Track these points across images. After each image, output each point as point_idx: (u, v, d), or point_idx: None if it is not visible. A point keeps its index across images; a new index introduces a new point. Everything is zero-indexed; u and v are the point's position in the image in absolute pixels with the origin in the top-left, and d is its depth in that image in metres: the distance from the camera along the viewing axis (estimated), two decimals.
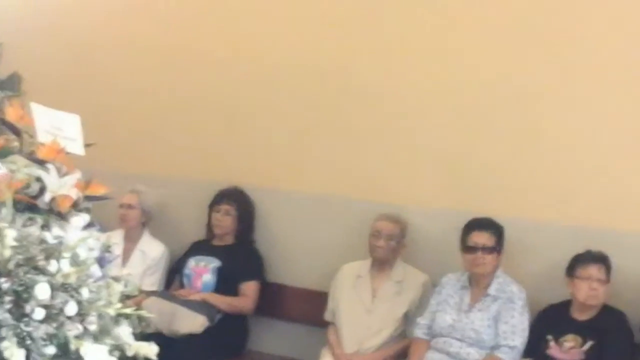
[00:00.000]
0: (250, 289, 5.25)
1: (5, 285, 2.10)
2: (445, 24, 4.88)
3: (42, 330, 2.11)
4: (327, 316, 4.97)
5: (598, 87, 4.56)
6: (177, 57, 5.70)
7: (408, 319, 4.76)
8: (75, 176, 2.53)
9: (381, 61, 5.07)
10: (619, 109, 4.52)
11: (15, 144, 2.61)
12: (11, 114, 2.62)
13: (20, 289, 2.10)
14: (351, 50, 5.15)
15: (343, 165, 5.24)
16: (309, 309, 5.17)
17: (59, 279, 2.17)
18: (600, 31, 4.51)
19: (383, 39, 5.07)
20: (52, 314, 2.13)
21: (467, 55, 4.84)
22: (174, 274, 5.46)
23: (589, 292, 4.31)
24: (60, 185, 2.46)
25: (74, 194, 2.50)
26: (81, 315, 2.20)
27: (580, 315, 4.39)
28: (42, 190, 2.45)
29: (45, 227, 2.38)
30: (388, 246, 4.82)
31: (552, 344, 4.37)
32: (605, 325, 4.32)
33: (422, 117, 5.00)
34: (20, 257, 2.15)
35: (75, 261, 2.24)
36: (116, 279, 2.44)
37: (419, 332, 4.63)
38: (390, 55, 5.05)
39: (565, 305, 4.46)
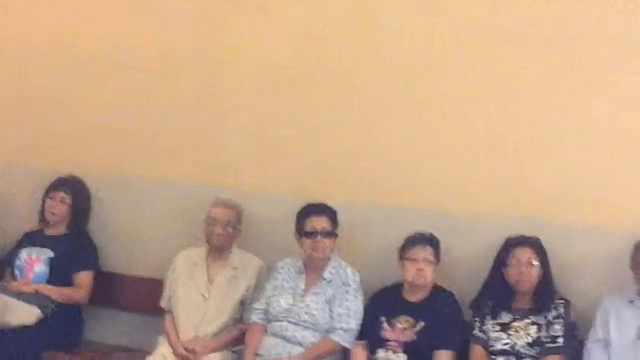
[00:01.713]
0: (83, 279, 5.13)
1: None
2: None
3: None
4: (163, 304, 4.91)
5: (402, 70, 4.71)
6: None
7: (245, 304, 4.75)
8: None
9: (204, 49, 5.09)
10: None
11: None
12: None
13: None
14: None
15: (181, 150, 5.18)
16: (145, 297, 5.10)
17: None
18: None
19: None
20: None
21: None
22: (5, 266, 5.26)
23: (416, 273, 4.42)
24: None
25: None
26: None
27: (411, 297, 4.50)
28: None
29: None
30: (224, 233, 4.80)
31: (385, 325, 4.45)
32: (436, 306, 4.44)
33: (249, 104, 5.03)
34: None
35: None
36: None
37: (255, 317, 4.64)
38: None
39: (398, 287, 4.56)
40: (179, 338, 4.71)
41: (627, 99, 4.37)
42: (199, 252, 4.90)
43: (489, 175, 4.62)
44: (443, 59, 4.68)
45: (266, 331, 4.58)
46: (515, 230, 4.44)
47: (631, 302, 4.27)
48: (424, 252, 4.43)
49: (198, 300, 4.77)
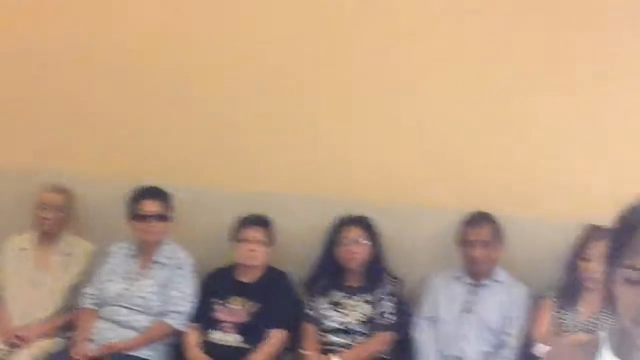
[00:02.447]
0: None
1: None
2: None
3: None
4: None
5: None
6: None
7: (77, 290, 4.66)
8: None
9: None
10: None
11: None
12: None
13: None
14: None
15: (10, 136, 5.02)
16: None
17: None
18: None
19: None
20: None
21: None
22: None
23: (247, 254, 4.43)
24: None
25: None
26: None
27: (244, 278, 4.51)
28: None
29: None
30: (54, 217, 4.69)
31: (218, 306, 4.45)
32: (269, 286, 4.47)
33: (89, 91, 4.91)
34: None
35: None
36: None
37: (86, 302, 4.55)
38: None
39: (231, 268, 4.56)
40: (8, 325, 4.58)
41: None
42: (28, 238, 4.77)
43: (320, 157, 4.66)
44: None
45: (99, 316, 4.50)
46: (346, 211, 4.49)
47: (457, 278, 4.39)
48: (255, 233, 4.45)
49: (27, 287, 4.65)
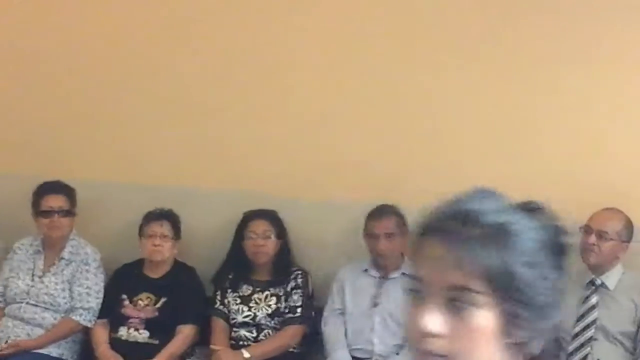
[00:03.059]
0: None
1: None
2: None
3: None
4: None
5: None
6: None
7: None
8: None
9: None
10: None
11: None
12: None
13: None
14: None
15: None
16: None
17: None
18: None
19: None
20: None
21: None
22: None
23: (152, 249, 4.40)
24: None
25: None
26: None
27: (152, 273, 4.48)
28: None
29: None
30: None
31: (126, 302, 4.42)
32: (177, 281, 4.44)
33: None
34: None
35: None
36: None
37: None
38: None
39: (139, 264, 4.52)
40: None
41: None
42: None
43: (228, 152, 4.64)
44: None
45: (4, 314, 4.43)
46: (255, 206, 4.48)
47: (365, 271, 4.40)
48: (159, 228, 4.40)
49: None
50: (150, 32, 4.65)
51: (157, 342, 4.32)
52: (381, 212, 4.36)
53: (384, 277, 4.37)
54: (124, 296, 4.43)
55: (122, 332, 4.37)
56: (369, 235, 4.35)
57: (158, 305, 4.40)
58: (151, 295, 4.42)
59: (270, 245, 4.40)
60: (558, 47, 4.30)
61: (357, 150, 4.51)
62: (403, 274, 4.35)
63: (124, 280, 4.49)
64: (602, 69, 4.28)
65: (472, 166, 4.30)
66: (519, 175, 4.19)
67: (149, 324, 4.36)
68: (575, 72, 4.29)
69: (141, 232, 4.44)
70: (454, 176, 4.28)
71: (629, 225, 4.17)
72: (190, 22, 4.61)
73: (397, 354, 4.27)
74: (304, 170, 4.56)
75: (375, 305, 4.33)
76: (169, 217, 4.45)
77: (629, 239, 4.18)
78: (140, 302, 4.42)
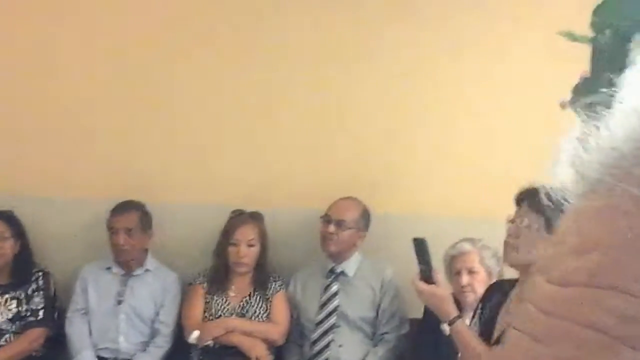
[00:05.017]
0: None
1: None
2: None
3: None
4: None
5: None
6: None
7: None
8: None
9: None
10: None
11: None
12: None
13: None
14: None
15: None
16: None
17: None
18: None
19: None
20: None
21: None
22: None
23: None
24: None
25: None
26: None
27: None
28: None
29: None
30: None
31: None
32: None
33: None
34: None
35: None
36: None
37: None
38: None
39: None
40: None
41: None
42: None
43: None
44: None
45: None
46: None
47: (108, 269, 4.32)
48: None
49: None
50: None
51: None
52: (122, 207, 4.29)
53: (127, 274, 4.31)
54: None
55: None
56: (110, 230, 4.27)
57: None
58: None
59: (6, 247, 4.24)
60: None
61: (96, 145, 4.42)
62: (146, 270, 4.31)
63: None
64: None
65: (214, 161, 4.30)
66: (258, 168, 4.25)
67: None
68: None
69: None
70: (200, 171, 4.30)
71: (365, 214, 4.27)
72: None
73: (144, 350, 4.22)
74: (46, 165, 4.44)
75: (119, 303, 4.26)
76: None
77: (366, 228, 4.27)
78: None
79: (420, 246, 3.25)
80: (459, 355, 3.44)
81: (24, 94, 4.40)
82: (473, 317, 3.61)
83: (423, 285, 3.26)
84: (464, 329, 3.30)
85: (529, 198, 2.79)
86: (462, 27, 4.28)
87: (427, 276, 3.25)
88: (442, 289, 3.30)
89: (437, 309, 3.31)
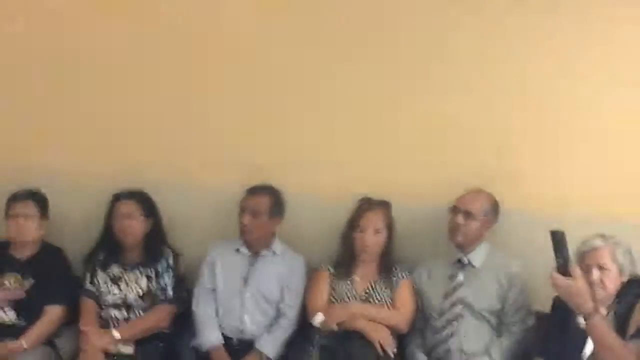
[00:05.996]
0: None
1: None
2: None
3: None
4: None
5: None
6: None
7: None
8: None
9: None
10: None
11: None
12: None
13: None
14: None
15: None
16: None
17: None
18: None
19: None
20: None
21: None
22: None
23: (16, 229, 4.34)
24: None
25: None
26: None
27: (19, 254, 4.38)
28: None
29: None
30: None
31: None
32: (44, 262, 4.37)
33: None
34: None
35: None
36: None
37: None
38: None
39: (5, 245, 4.41)
40: None
41: None
42: None
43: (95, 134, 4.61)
44: None
45: None
46: (125, 187, 4.45)
47: (236, 250, 4.39)
48: (24, 208, 4.33)
49: None
50: None
51: (24, 323, 4.23)
52: (254, 189, 4.37)
53: (255, 256, 4.38)
54: None
55: None
56: (240, 209, 4.34)
57: (25, 286, 4.30)
58: (17, 276, 4.32)
59: (136, 226, 4.35)
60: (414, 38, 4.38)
61: (226, 134, 4.53)
62: (273, 252, 4.37)
63: None
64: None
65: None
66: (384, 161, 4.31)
67: (16, 305, 4.27)
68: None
69: (5, 213, 4.33)
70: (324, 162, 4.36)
71: (494, 205, 4.25)
72: None
73: (268, 332, 4.28)
74: (174, 154, 4.57)
75: (245, 283, 4.33)
76: (34, 196, 4.36)
77: (494, 219, 4.26)
78: (7, 283, 4.31)
79: (558, 239, 3.23)
80: (594, 348, 3.40)
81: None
82: (607, 312, 3.58)
83: (561, 278, 3.24)
84: (601, 323, 3.26)
85: None
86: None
87: (564, 269, 3.23)
88: (580, 282, 3.27)
89: (574, 303, 3.28)
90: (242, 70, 4.50)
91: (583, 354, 3.57)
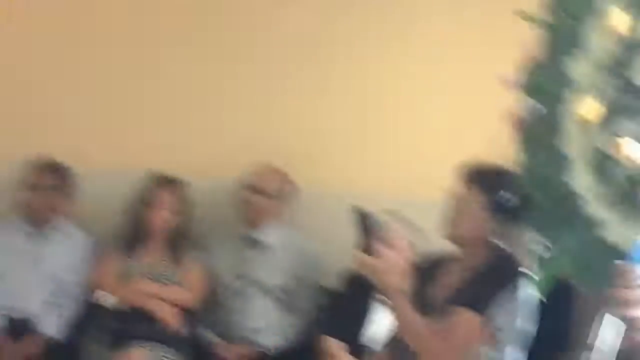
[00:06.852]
0: None
1: None
2: None
3: None
4: None
5: None
6: None
7: None
8: None
9: None
10: None
11: None
12: None
13: None
14: None
15: None
16: None
17: None
18: None
19: None
20: None
21: None
22: None
23: None
24: None
25: None
26: None
27: None
28: None
29: None
30: None
31: None
32: None
33: None
34: None
35: None
36: None
37: None
38: None
39: None
40: None
41: None
42: None
43: None
44: None
45: None
46: None
47: (17, 227, 4.22)
48: None
49: None
50: None
51: None
52: (43, 167, 4.21)
53: (38, 233, 4.21)
54: None
55: None
56: (26, 187, 4.17)
57: None
58: None
59: None
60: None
61: None
62: (57, 230, 4.23)
63: None
64: None
65: None
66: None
67: None
68: None
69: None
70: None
71: (288, 183, 4.24)
72: None
73: (52, 311, 4.12)
74: None
75: (28, 262, 4.16)
76: None
77: (288, 198, 4.25)
78: None
79: (361, 218, 3.22)
80: (396, 327, 3.38)
81: None
82: None
83: (365, 257, 3.24)
84: (403, 302, 3.27)
85: (478, 176, 2.81)
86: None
87: (368, 248, 3.23)
88: (384, 260, 3.26)
89: (379, 281, 3.28)
90: None
91: (367, 332, 3.62)
